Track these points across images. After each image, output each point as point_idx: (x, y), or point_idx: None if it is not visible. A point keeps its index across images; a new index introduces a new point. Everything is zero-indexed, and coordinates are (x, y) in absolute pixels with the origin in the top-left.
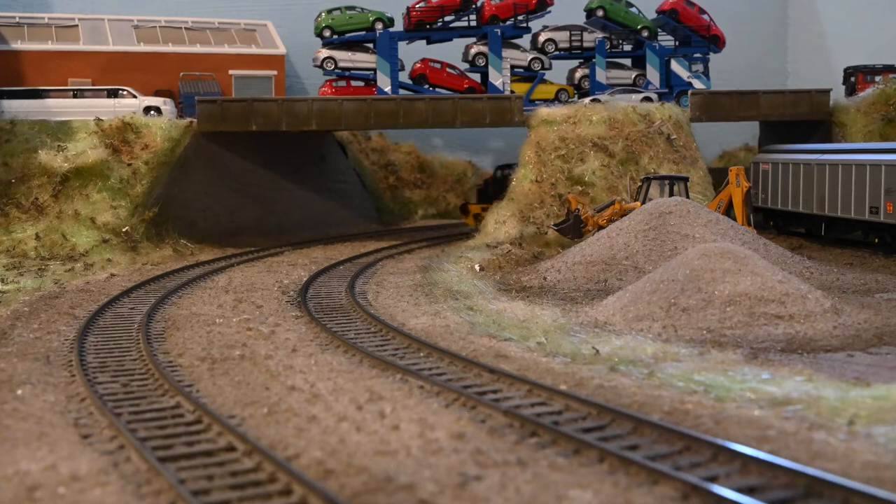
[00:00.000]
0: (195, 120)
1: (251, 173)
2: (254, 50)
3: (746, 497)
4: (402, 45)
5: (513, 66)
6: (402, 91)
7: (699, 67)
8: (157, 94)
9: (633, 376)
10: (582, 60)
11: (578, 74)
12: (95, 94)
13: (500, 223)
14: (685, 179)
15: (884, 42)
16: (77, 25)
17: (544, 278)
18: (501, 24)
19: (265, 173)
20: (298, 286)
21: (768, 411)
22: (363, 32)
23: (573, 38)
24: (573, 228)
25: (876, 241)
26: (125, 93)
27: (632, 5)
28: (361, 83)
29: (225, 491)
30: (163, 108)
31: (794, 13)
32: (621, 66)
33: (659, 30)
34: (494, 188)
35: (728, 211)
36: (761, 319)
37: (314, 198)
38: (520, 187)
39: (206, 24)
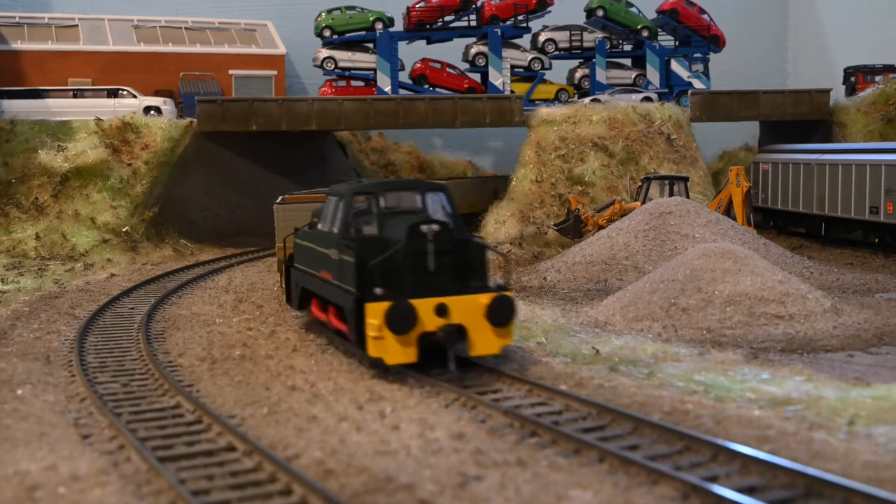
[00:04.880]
0: (195, 120)
1: (251, 173)
2: (254, 50)
3: (746, 497)
4: (402, 45)
5: (513, 66)
6: (402, 91)
7: (699, 67)
8: (157, 94)
9: (633, 376)
10: (582, 60)
11: (578, 74)
12: (95, 94)
13: (500, 223)
14: (685, 179)
15: (884, 42)
16: (77, 25)
17: (544, 278)
18: (501, 24)
19: (265, 173)
20: None
21: (768, 411)
22: (363, 32)
23: (573, 38)
24: (573, 228)
25: (876, 241)
26: (125, 93)
27: (632, 5)
28: (361, 83)
29: (225, 491)
30: (163, 108)
31: (794, 13)
32: (621, 66)
33: (659, 30)
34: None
35: (728, 211)
36: (761, 319)
37: None
38: (520, 187)
39: (206, 24)
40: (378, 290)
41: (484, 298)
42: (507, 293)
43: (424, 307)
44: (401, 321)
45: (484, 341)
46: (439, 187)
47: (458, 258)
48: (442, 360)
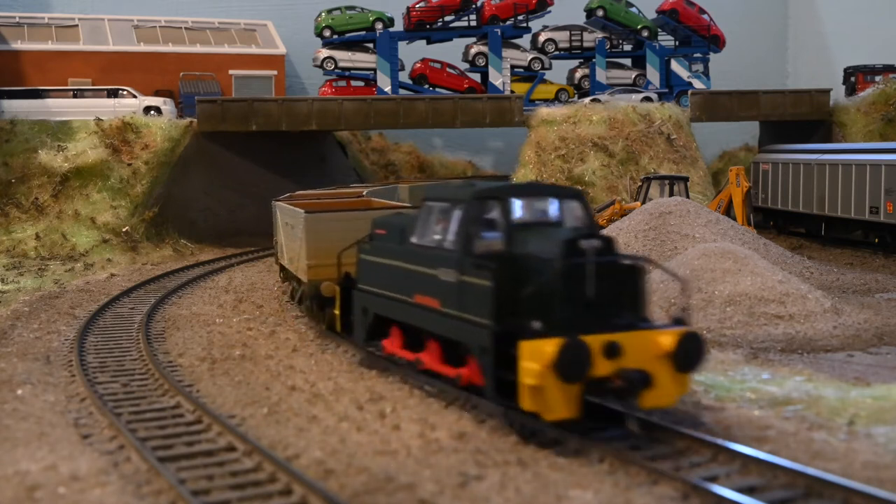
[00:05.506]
0: (195, 120)
1: (251, 173)
2: (254, 50)
3: (746, 497)
4: (402, 45)
5: (513, 66)
6: (402, 91)
7: (699, 67)
8: (157, 94)
9: None
10: (582, 60)
11: (578, 74)
12: (95, 94)
13: None
14: (685, 179)
15: (884, 42)
16: (77, 25)
17: None
18: (501, 24)
19: (265, 173)
20: None
21: (768, 411)
22: (363, 32)
23: (573, 38)
24: None
25: (876, 241)
26: (125, 93)
27: (632, 5)
28: (361, 83)
29: (225, 491)
30: (163, 108)
31: (794, 13)
32: (621, 66)
33: (659, 30)
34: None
35: (728, 211)
36: (761, 319)
37: None
38: None
39: (206, 24)
40: (536, 325)
41: (666, 336)
42: (693, 330)
43: (593, 346)
44: (576, 366)
45: (662, 390)
46: (575, 193)
47: (620, 283)
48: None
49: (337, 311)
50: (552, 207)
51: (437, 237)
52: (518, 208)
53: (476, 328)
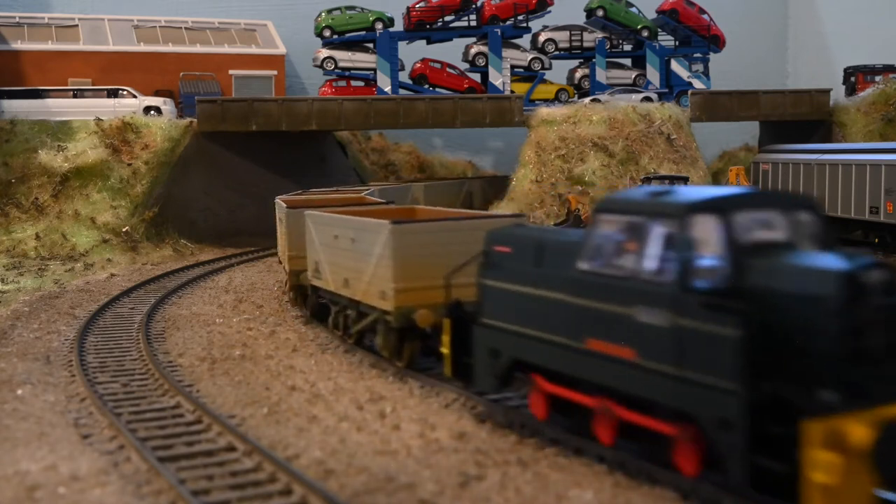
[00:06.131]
0: (195, 120)
1: (251, 173)
2: (254, 50)
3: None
4: (402, 45)
5: (513, 66)
6: (402, 91)
7: (699, 67)
8: (157, 94)
9: None
10: (582, 60)
11: (578, 74)
12: (95, 94)
13: None
14: (685, 179)
15: (884, 42)
16: (77, 25)
17: None
18: (501, 24)
19: (265, 173)
20: None
21: None
22: (363, 32)
23: (573, 38)
24: (573, 228)
25: (876, 241)
26: (125, 93)
27: (632, 5)
28: (361, 83)
29: (225, 491)
30: (163, 108)
31: (794, 13)
32: (621, 66)
33: (659, 30)
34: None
35: None
36: None
37: None
38: (520, 187)
39: (206, 24)
40: (828, 395)
41: None
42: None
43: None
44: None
45: None
46: (807, 203)
47: None
48: None
49: (446, 350)
50: (782, 220)
51: (627, 263)
52: (745, 224)
53: (709, 392)
